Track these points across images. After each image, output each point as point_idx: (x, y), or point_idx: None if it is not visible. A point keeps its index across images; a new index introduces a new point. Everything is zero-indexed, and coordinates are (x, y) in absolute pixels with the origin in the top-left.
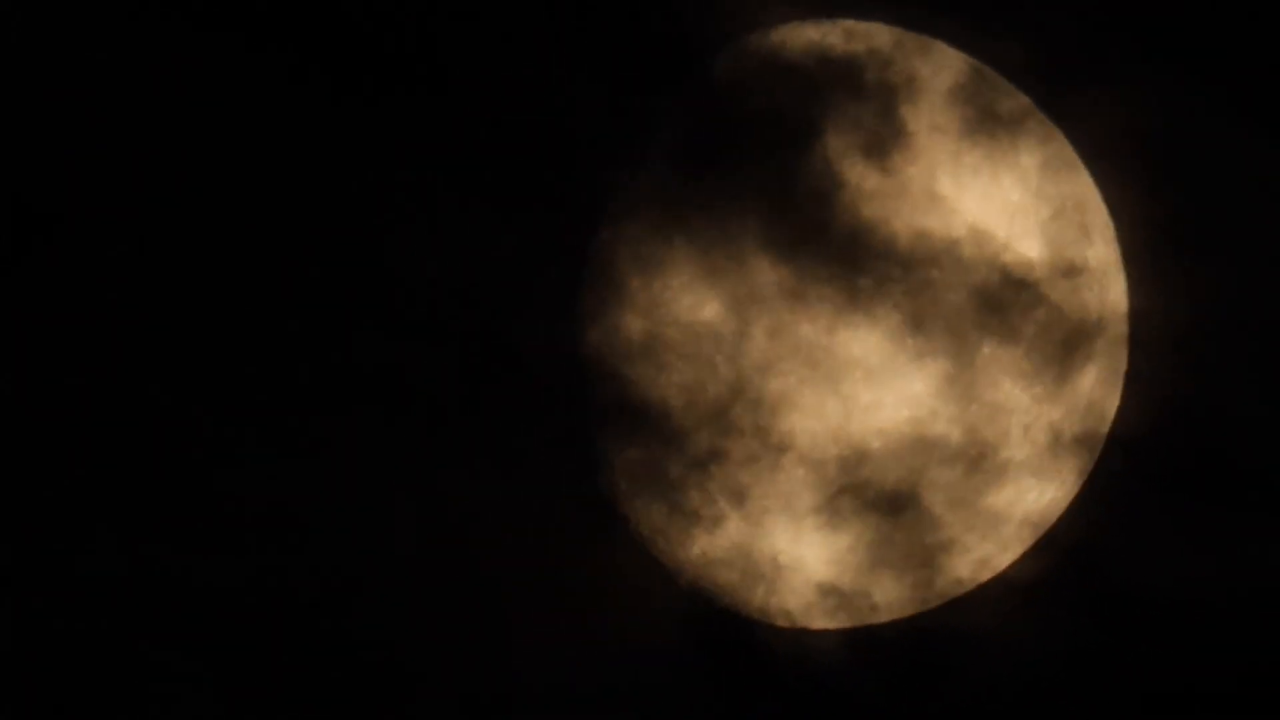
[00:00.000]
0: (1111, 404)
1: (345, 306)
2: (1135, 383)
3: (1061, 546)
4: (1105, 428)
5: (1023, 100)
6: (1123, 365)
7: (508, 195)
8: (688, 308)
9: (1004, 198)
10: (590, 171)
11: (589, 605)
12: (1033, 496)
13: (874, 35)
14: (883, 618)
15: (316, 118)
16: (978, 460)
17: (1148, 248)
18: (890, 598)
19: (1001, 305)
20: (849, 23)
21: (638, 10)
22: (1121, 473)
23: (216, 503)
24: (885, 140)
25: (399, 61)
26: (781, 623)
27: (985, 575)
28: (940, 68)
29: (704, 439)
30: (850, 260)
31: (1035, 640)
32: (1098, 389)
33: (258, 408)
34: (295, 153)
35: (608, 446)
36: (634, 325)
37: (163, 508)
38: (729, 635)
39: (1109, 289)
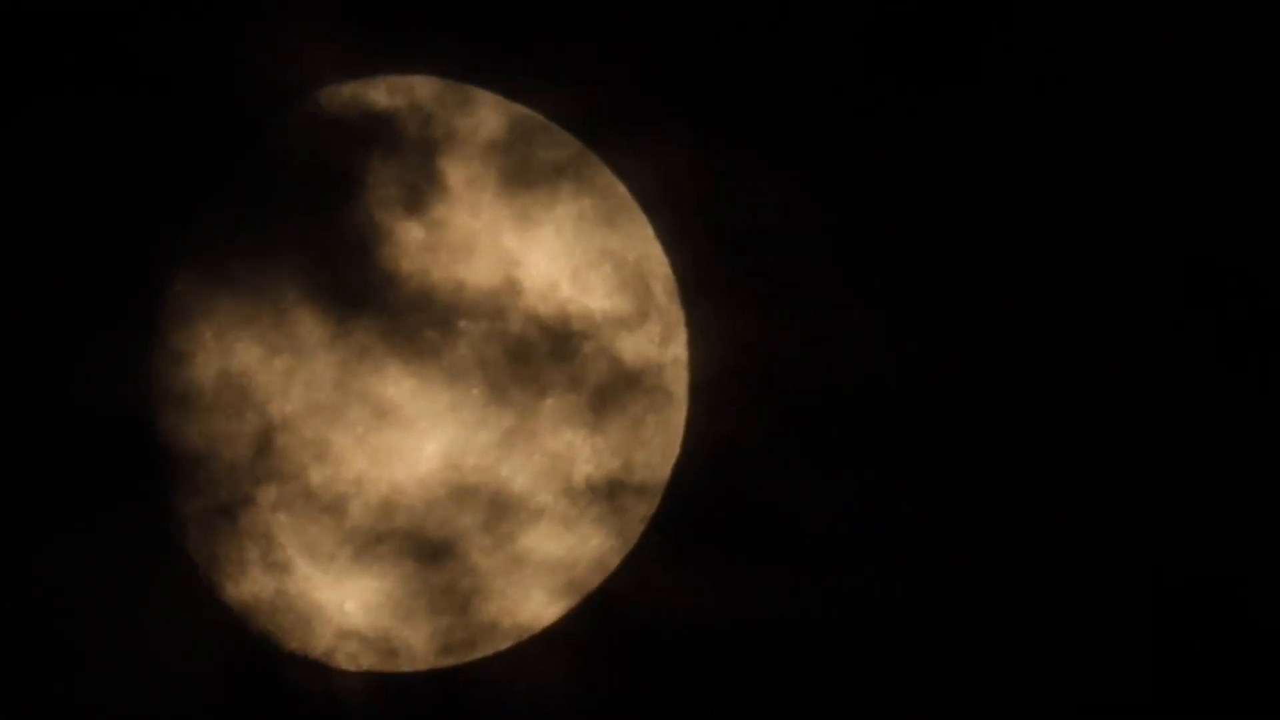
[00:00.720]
0: (670, 453)
1: None
2: (693, 430)
3: (609, 597)
4: (664, 476)
5: (569, 150)
6: (682, 414)
7: (58, 256)
8: (233, 358)
9: (559, 247)
10: (143, 234)
11: (154, 644)
12: (593, 544)
13: (416, 89)
14: (413, 665)
15: None
16: (533, 510)
17: (706, 296)
18: (422, 645)
19: (558, 356)
20: (394, 78)
21: (187, 75)
22: (676, 522)
23: None
24: (425, 193)
25: None
26: (315, 665)
27: (523, 626)
28: (481, 120)
29: (248, 486)
30: (396, 312)
31: (569, 691)
32: (657, 438)
33: None
34: None
35: (173, 494)
36: (183, 376)
37: None
38: (270, 676)
39: (669, 338)
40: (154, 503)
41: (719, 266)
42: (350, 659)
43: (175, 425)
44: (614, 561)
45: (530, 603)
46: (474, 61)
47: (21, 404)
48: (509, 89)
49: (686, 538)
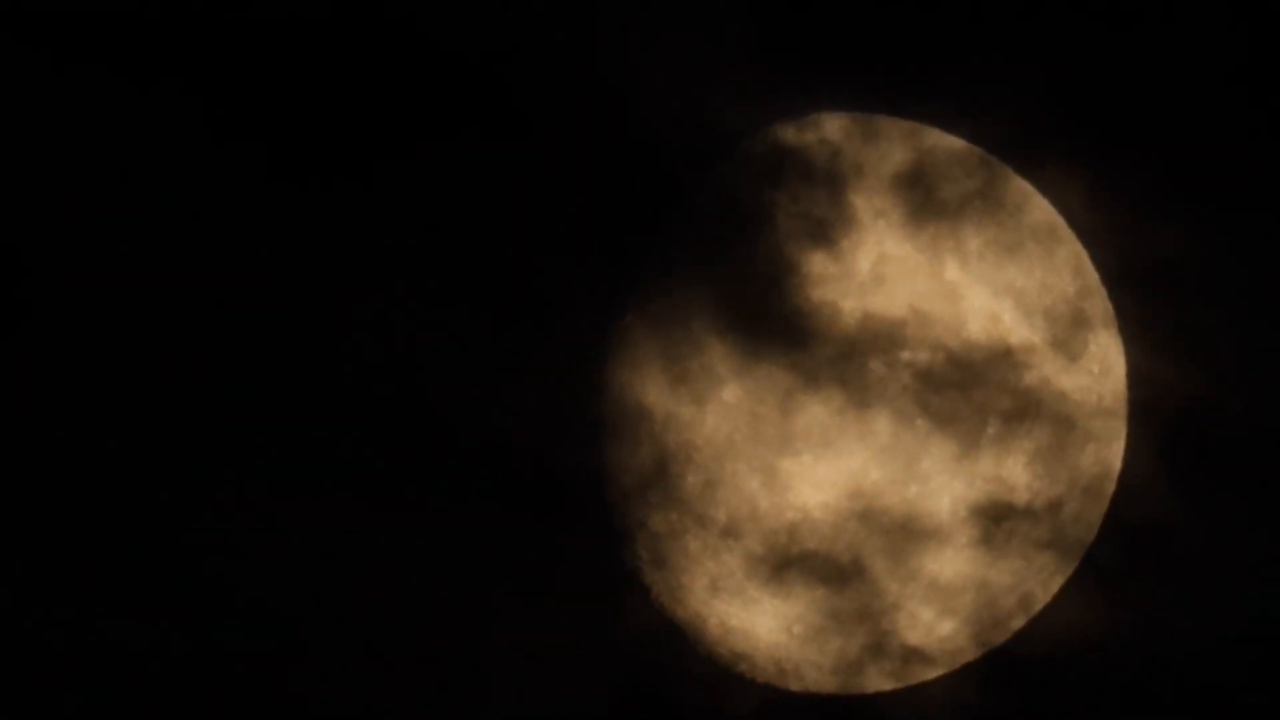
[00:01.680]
0: (1109, 482)
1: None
2: (1130, 463)
3: (1033, 632)
4: (1102, 507)
5: (976, 181)
6: (1120, 446)
7: (513, 300)
8: (661, 390)
9: (1004, 281)
10: (588, 279)
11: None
12: (1033, 568)
13: (824, 125)
14: (817, 688)
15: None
16: (966, 539)
17: (1140, 327)
18: (827, 669)
19: (984, 385)
20: (805, 117)
21: (623, 133)
22: (1109, 556)
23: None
24: (833, 226)
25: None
26: (737, 682)
27: (934, 657)
28: (887, 153)
29: (669, 509)
30: (806, 343)
31: None
32: (1096, 467)
33: (304, 495)
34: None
35: (630, 521)
36: (626, 406)
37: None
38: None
39: (1108, 370)
40: (608, 525)
41: (1150, 297)
42: (762, 677)
43: (617, 452)
44: (1043, 594)
45: (941, 631)
46: (881, 94)
47: (472, 431)
48: (915, 119)
49: (1120, 572)
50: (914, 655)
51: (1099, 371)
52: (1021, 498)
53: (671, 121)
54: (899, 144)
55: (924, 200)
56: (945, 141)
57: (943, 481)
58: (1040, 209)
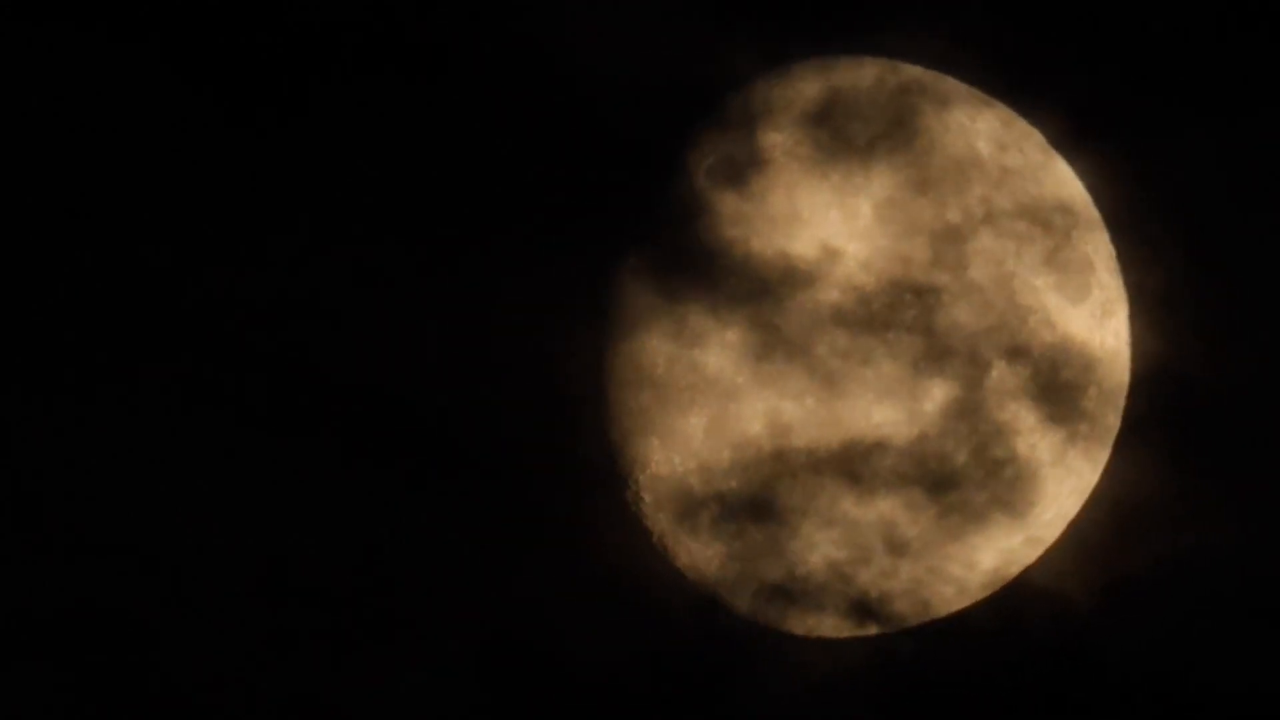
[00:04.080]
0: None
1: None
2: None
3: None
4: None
5: (884, 121)
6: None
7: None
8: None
9: (914, 219)
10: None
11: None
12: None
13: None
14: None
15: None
16: (969, 488)
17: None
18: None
19: (913, 329)
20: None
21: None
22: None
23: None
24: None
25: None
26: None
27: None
28: (799, 91)
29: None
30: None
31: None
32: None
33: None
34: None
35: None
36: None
37: None
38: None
39: (1109, 313)
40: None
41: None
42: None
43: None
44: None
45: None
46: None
47: (485, 376)
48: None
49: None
50: (782, 589)
51: (1011, 312)
52: (905, 439)
53: (610, 78)
54: (810, 80)
55: (835, 137)
56: (855, 78)
57: (972, 426)
58: (954, 145)
